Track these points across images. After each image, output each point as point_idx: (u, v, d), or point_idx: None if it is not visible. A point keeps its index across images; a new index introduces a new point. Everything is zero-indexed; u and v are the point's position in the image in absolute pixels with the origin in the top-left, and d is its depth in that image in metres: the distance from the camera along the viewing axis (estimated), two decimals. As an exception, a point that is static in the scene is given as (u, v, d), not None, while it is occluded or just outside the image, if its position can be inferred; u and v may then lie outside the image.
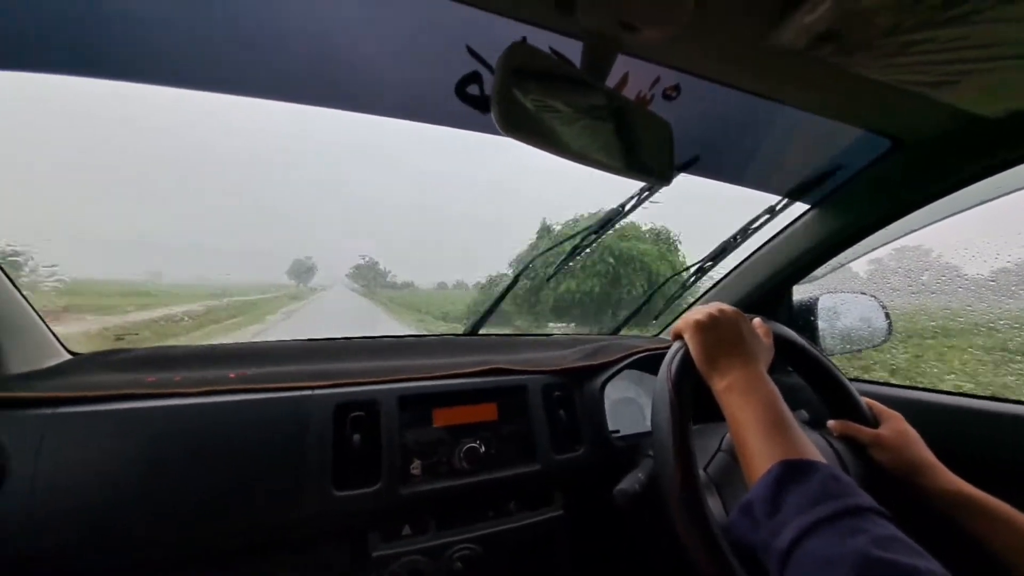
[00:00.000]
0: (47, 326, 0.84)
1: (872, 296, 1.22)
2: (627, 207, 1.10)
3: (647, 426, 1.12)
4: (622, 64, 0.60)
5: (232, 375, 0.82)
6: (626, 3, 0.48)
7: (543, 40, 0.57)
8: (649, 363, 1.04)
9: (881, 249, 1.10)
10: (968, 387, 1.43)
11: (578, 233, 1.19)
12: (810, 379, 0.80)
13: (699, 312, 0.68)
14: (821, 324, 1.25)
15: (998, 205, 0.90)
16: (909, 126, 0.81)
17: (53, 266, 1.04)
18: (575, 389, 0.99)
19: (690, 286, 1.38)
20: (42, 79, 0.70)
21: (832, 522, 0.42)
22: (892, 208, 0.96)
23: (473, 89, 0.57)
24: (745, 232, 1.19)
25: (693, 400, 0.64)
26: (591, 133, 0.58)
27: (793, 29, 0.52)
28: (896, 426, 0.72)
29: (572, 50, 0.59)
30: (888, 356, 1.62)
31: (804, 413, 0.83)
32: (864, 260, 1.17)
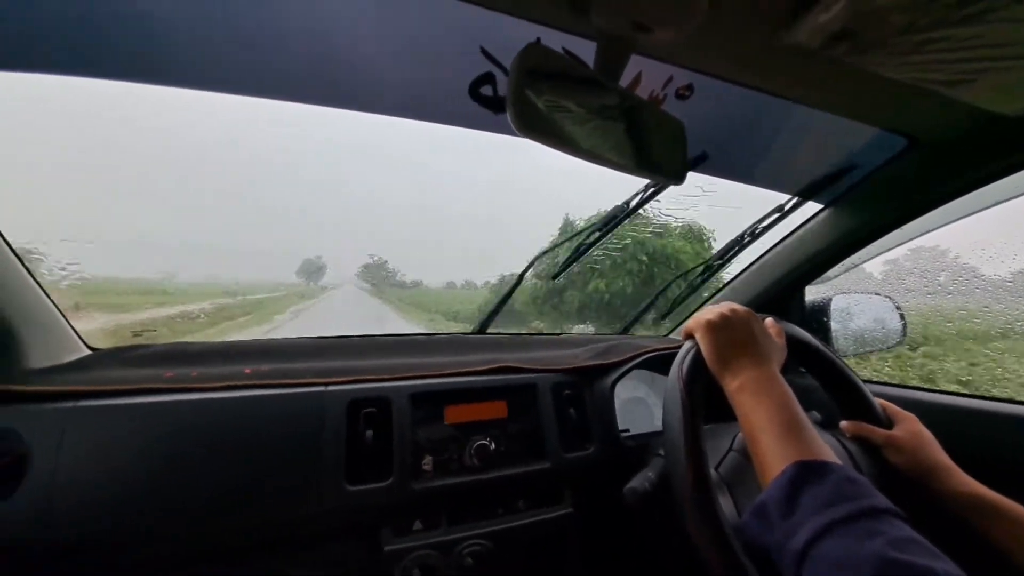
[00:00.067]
0: (68, 322, 0.86)
1: (887, 297, 1.21)
2: (632, 204, 1.09)
3: (656, 426, 1.12)
4: (635, 64, 0.60)
5: (248, 371, 0.83)
6: (640, 4, 0.48)
7: (555, 41, 0.58)
8: (659, 363, 1.04)
9: (896, 249, 1.08)
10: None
11: (584, 230, 1.19)
12: (823, 380, 0.80)
13: (711, 312, 0.68)
14: (834, 325, 1.23)
15: (1015, 205, 0.89)
16: (925, 125, 0.80)
17: (73, 263, 1.07)
18: (585, 388, 0.99)
19: (698, 286, 1.37)
20: (47, 80, 0.71)
21: (848, 523, 0.42)
22: (907, 208, 0.95)
23: (486, 90, 0.57)
24: (754, 232, 1.18)
25: (704, 400, 0.64)
26: (604, 133, 0.58)
27: (807, 28, 0.52)
28: (910, 427, 0.71)
29: (584, 50, 0.60)
30: (945, 365, 1.57)
31: (816, 414, 0.82)
32: (879, 260, 1.15)
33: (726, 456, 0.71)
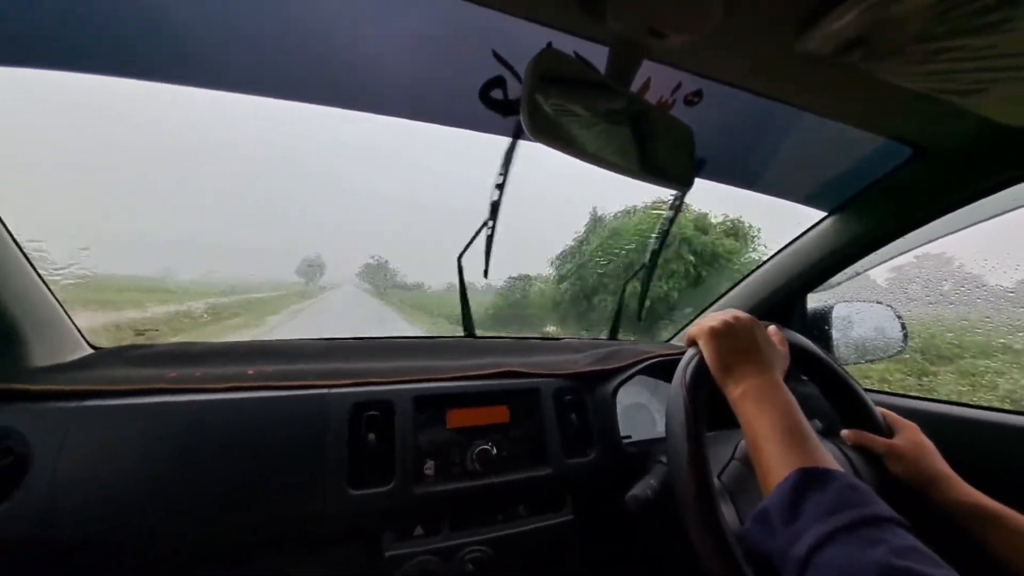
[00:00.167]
0: (71, 320, 0.85)
1: (888, 305, 1.21)
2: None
3: (658, 432, 1.12)
4: (644, 69, 0.60)
5: (251, 372, 0.83)
6: (656, 9, 0.49)
7: (565, 45, 0.58)
8: (661, 369, 1.04)
9: (900, 257, 1.09)
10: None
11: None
12: (825, 388, 0.80)
13: (714, 319, 0.68)
14: (835, 333, 1.23)
15: (1018, 216, 0.89)
16: (933, 134, 0.81)
17: (73, 262, 1.06)
18: (587, 393, 0.99)
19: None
20: (52, 78, 0.71)
21: (851, 531, 0.42)
22: (912, 217, 0.95)
23: (497, 93, 0.57)
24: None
25: (707, 407, 0.64)
26: (614, 138, 0.59)
27: (821, 35, 0.52)
28: (911, 437, 0.72)
29: (595, 54, 0.60)
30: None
31: (818, 423, 0.82)
32: (883, 268, 1.15)
33: (728, 464, 0.71)
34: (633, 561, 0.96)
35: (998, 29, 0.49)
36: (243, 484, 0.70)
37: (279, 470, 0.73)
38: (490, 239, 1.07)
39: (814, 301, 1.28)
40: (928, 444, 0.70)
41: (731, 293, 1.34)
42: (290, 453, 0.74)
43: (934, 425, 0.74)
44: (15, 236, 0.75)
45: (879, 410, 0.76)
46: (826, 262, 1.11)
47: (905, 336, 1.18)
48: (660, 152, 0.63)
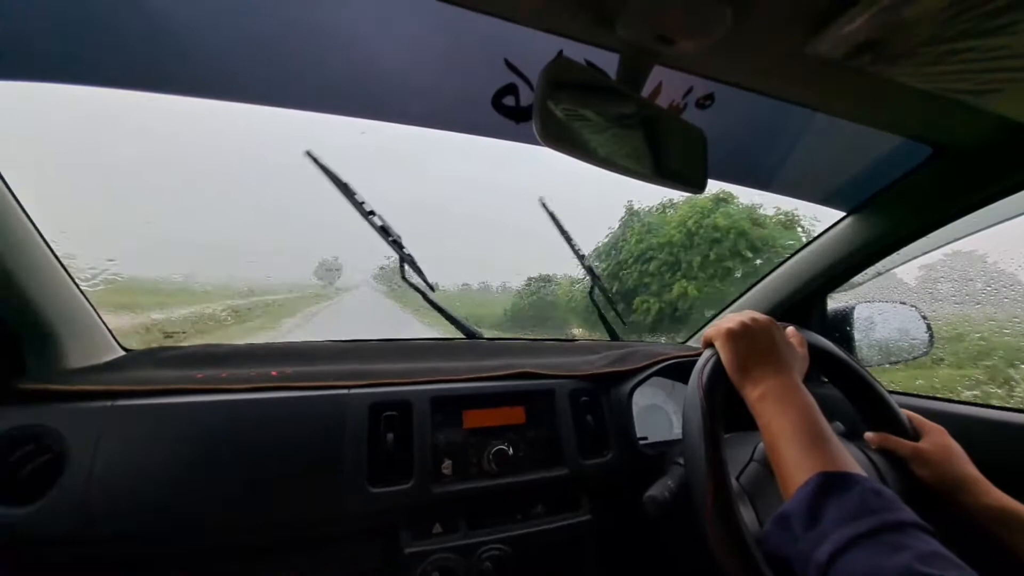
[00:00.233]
0: (103, 322, 0.89)
1: (912, 306, 1.18)
2: None
3: (674, 434, 1.11)
4: (656, 74, 0.61)
5: (274, 373, 0.85)
6: (666, 17, 0.49)
7: (576, 52, 0.59)
8: (677, 370, 1.04)
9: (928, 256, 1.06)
10: None
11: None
12: (847, 390, 0.79)
13: (731, 320, 0.68)
14: (857, 334, 1.21)
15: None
16: (952, 133, 0.79)
17: (111, 261, 1.11)
18: (603, 394, 0.99)
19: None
20: (84, 92, 0.74)
21: (874, 537, 0.41)
22: (931, 217, 0.93)
23: (509, 100, 0.58)
24: None
25: (725, 409, 0.64)
26: (626, 142, 0.59)
27: (832, 39, 0.52)
28: (938, 440, 0.70)
29: (602, 59, 0.60)
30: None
31: (840, 425, 0.81)
32: (910, 265, 1.12)
33: (747, 466, 0.70)
34: (650, 562, 0.96)
35: (1010, 30, 0.48)
36: (266, 482, 0.73)
37: (301, 468, 0.75)
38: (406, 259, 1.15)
39: (833, 303, 1.26)
40: (956, 447, 0.69)
41: (748, 294, 1.32)
42: (311, 452, 0.76)
43: (961, 427, 0.73)
44: (50, 243, 0.78)
45: (904, 412, 0.75)
46: (845, 263, 1.09)
47: (931, 338, 1.15)
48: (673, 156, 0.63)
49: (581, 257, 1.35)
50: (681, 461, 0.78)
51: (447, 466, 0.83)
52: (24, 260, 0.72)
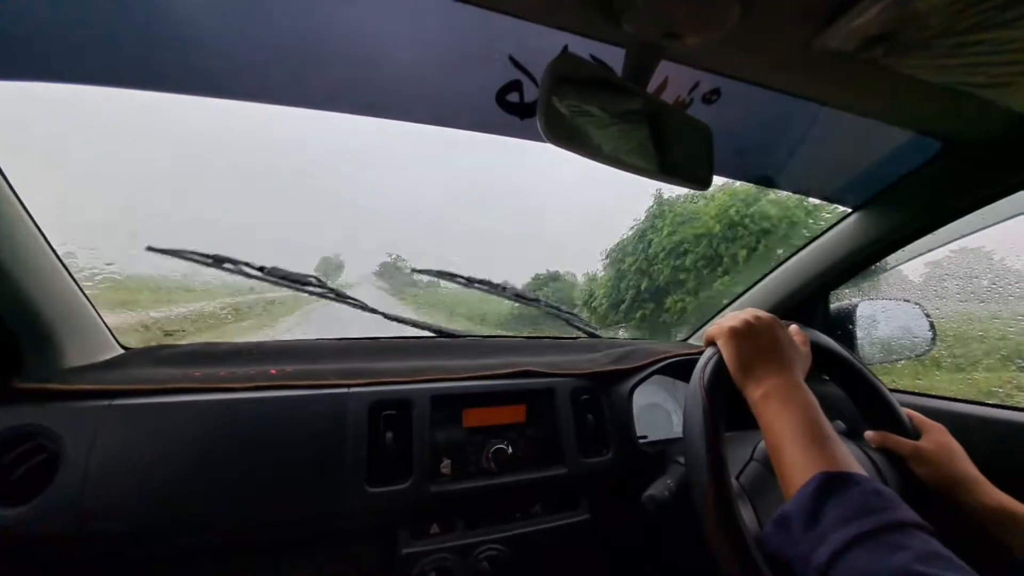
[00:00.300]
0: (103, 321, 0.88)
1: (915, 303, 1.18)
2: None
3: (675, 432, 1.11)
4: (661, 68, 0.60)
5: (274, 371, 0.85)
6: (673, 12, 0.48)
7: (582, 48, 0.58)
8: (678, 369, 1.03)
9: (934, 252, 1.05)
10: None
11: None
12: (849, 389, 0.78)
13: (734, 318, 0.68)
14: (859, 332, 1.21)
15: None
16: (960, 129, 0.79)
17: (110, 264, 1.10)
18: (603, 393, 0.99)
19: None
20: (92, 92, 0.74)
21: (874, 537, 0.41)
22: (940, 212, 0.93)
23: (513, 97, 0.58)
24: None
25: (726, 408, 0.63)
26: (632, 139, 0.58)
27: (842, 32, 0.51)
28: (938, 439, 0.70)
29: (610, 55, 0.60)
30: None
31: (840, 424, 0.81)
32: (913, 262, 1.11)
33: (747, 465, 0.70)
34: (649, 561, 0.96)
35: (1021, 24, 0.48)
36: (264, 481, 0.72)
37: (300, 467, 0.74)
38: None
39: (836, 301, 1.26)
40: (956, 446, 0.69)
41: (751, 291, 1.32)
42: (310, 451, 0.75)
43: (961, 426, 0.73)
44: (50, 241, 0.78)
45: (905, 411, 0.75)
46: (850, 260, 1.08)
47: (934, 335, 1.14)
48: (678, 152, 0.62)
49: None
50: (681, 460, 0.77)
51: (446, 465, 0.83)
52: (22, 257, 0.71)
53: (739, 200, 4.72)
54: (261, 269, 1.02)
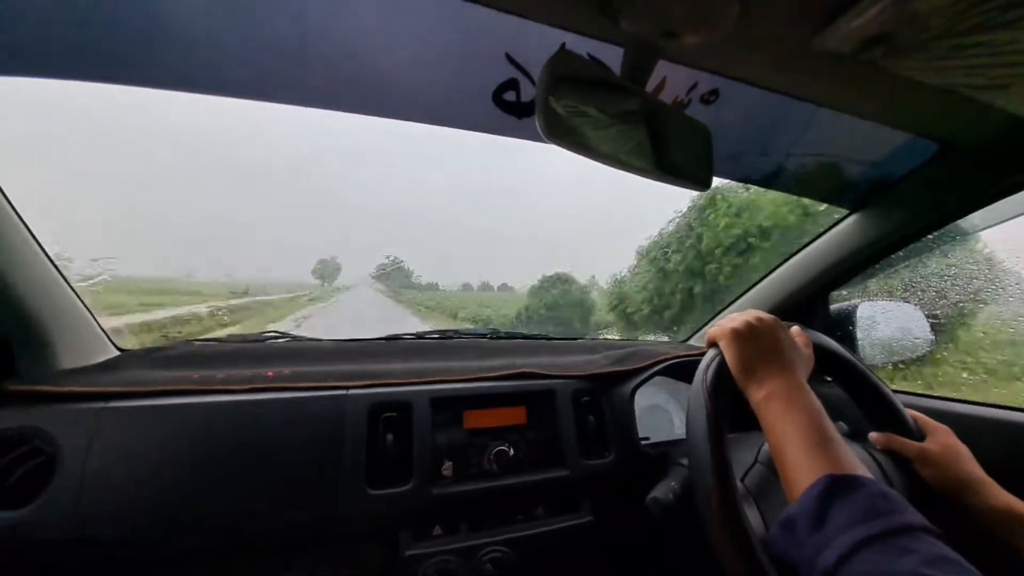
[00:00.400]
0: (97, 323, 0.88)
1: (915, 304, 1.18)
2: None
3: (677, 434, 1.11)
4: (660, 68, 0.60)
5: (270, 373, 0.84)
6: (671, 11, 0.48)
7: (579, 47, 0.58)
8: (680, 370, 1.03)
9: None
10: None
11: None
12: (852, 391, 0.78)
13: (735, 319, 0.67)
14: (860, 333, 1.20)
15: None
16: (959, 130, 0.79)
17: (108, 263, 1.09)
18: (604, 395, 0.98)
19: None
20: (78, 88, 0.73)
21: (882, 540, 0.41)
22: (937, 214, 0.93)
23: (510, 96, 0.57)
24: None
25: (729, 409, 0.63)
26: (629, 138, 0.58)
27: (841, 32, 0.51)
28: (943, 440, 0.69)
29: (608, 54, 0.59)
30: None
31: (843, 425, 0.80)
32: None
33: (752, 467, 0.70)
34: (652, 563, 0.95)
35: (1020, 25, 0.48)
36: (263, 484, 0.72)
37: (299, 469, 0.74)
38: None
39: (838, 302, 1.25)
40: (962, 448, 0.68)
41: (750, 293, 1.32)
42: (309, 453, 0.75)
43: (967, 428, 0.72)
44: (41, 243, 0.77)
45: (910, 413, 0.74)
46: (849, 261, 1.08)
47: (934, 336, 1.15)
48: (677, 152, 0.62)
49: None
50: (684, 462, 0.77)
51: (447, 467, 0.82)
52: (15, 259, 0.71)
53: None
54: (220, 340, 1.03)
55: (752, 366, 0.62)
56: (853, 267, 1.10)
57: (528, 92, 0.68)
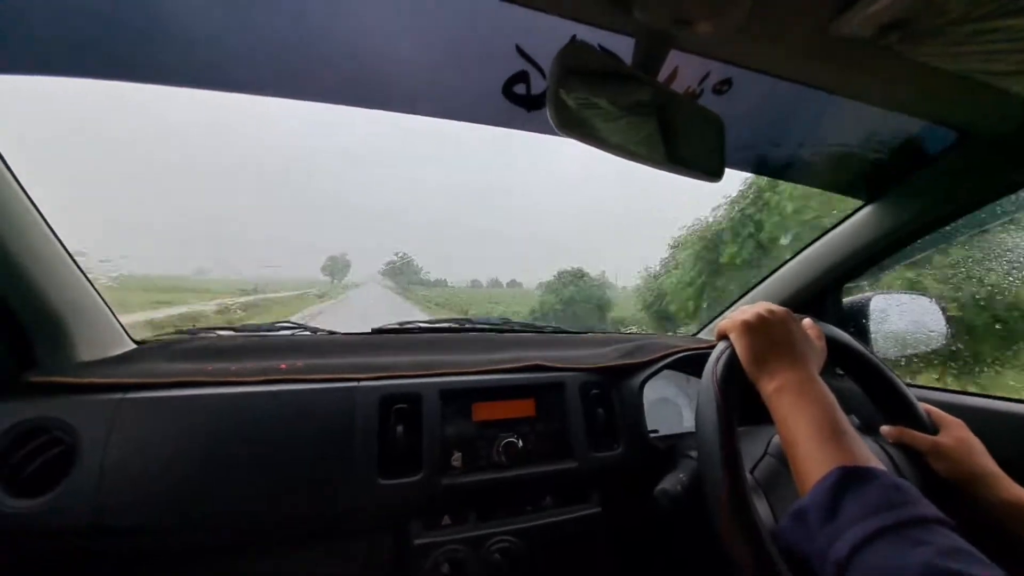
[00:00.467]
0: (115, 316, 0.89)
1: (930, 297, 1.16)
2: None
3: (685, 427, 1.11)
4: (671, 58, 0.59)
5: (283, 366, 0.85)
6: None
7: (590, 38, 0.57)
8: (689, 364, 1.03)
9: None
10: None
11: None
12: (864, 384, 0.77)
13: (747, 312, 0.67)
14: (873, 326, 1.19)
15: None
16: (977, 118, 0.77)
17: (123, 256, 1.11)
18: (613, 387, 0.98)
19: None
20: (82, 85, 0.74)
21: (895, 531, 0.41)
22: (957, 204, 0.91)
23: (520, 88, 0.57)
24: None
25: (739, 402, 0.63)
26: (642, 130, 0.58)
27: (858, 18, 0.50)
28: (957, 434, 0.69)
29: (620, 47, 0.59)
30: None
31: (855, 419, 0.80)
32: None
33: (761, 459, 0.69)
34: (660, 555, 0.96)
35: None
36: (276, 473, 0.73)
37: (311, 460, 0.75)
38: None
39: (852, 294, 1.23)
40: (975, 441, 0.67)
41: (763, 285, 1.30)
42: (321, 444, 0.76)
43: (980, 421, 0.71)
44: (61, 239, 0.78)
45: (923, 406, 0.74)
46: (864, 253, 1.07)
47: (949, 329, 1.13)
48: (689, 143, 0.62)
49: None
50: (693, 454, 0.77)
51: (457, 458, 0.83)
52: (35, 253, 0.72)
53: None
54: (234, 329, 1.03)
55: (764, 358, 0.62)
56: (867, 259, 1.08)
57: (538, 85, 0.68)
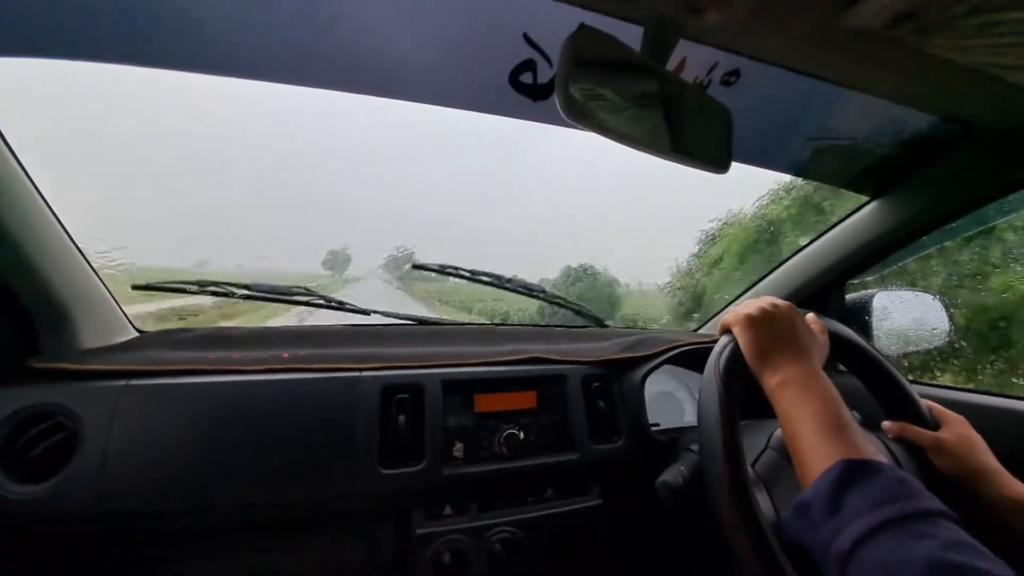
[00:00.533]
0: (118, 305, 0.90)
1: (933, 294, 1.16)
2: None
3: (687, 421, 1.11)
4: (679, 49, 0.58)
5: (285, 355, 0.85)
6: None
7: (597, 25, 0.57)
8: (691, 358, 1.02)
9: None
10: None
11: None
12: (866, 379, 0.77)
13: (750, 306, 0.67)
14: (876, 323, 1.19)
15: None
16: (986, 112, 0.76)
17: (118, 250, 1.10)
18: (615, 381, 0.98)
19: None
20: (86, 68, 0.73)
21: (899, 524, 0.40)
22: (963, 200, 0.90)
23: (527, 77, 0.57)
24: None
25: (742, 396, 0.62)
26: (649, 119, 0.57)
27: (869, 9, 0.50)
28: (958, 430, 0.69)
29: (628, 36, 0.58)
30: None
31: (857, 415, 0.80)
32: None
33: (763, 453, 0.69)
34: (661, 546, 0.96)
35: None
36: (279, 462, 0.73)
37: (314, 449, 0.75)
38: None
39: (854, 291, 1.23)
40: (977, 438, 0.67)
41: (767, 280, 1.30)
42: (324, 433, 0.76)
43: (982, 417, 0.72)
44: (67, 228, 0.78)
45: (924, 402, 0.73)
46: (869, 249, 1.06)
47: (952, 327, 1.13)
48: (696, 134, 0.61)
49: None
50: (694, 448, 0.77)
51: (458, 449, 0.83)
52: (40, 241, 0.72)
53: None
54: (247, 287, 1.02)
55: (767, 352, 0.62)
56: (872, 255, 1.08)
57: (545, 74, 0.67)
